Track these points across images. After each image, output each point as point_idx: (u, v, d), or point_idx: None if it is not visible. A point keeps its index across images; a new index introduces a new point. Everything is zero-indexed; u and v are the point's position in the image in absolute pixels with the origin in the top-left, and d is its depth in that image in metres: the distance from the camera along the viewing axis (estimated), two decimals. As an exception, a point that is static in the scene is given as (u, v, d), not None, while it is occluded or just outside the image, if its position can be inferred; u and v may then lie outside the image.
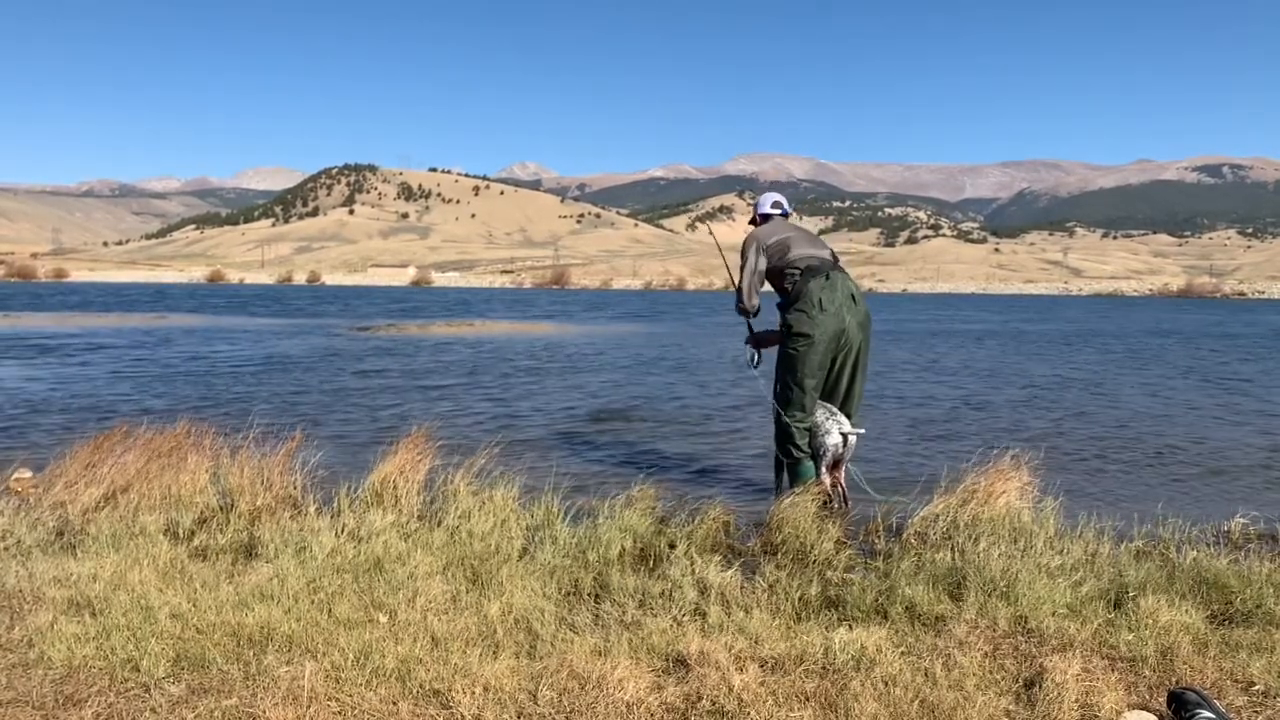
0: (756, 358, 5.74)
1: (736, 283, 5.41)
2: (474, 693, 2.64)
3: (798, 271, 5.21)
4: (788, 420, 5.17)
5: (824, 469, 5.16)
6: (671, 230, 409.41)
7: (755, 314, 5.53)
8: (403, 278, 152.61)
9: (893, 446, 7.60)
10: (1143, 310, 56.58)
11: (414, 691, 2.68)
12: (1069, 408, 10.32)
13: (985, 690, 2.73)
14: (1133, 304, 76.31)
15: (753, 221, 5.66)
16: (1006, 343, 22.84)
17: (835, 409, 5.24)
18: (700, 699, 2.63)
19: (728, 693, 2.64)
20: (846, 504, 5.22)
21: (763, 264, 5.31)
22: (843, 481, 5.31)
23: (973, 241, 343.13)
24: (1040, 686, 2.71)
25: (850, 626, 3.18)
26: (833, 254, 5.40)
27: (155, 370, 13.36)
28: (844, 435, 5.13)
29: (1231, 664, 2.97)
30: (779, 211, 5.63)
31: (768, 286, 5.40)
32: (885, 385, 12.28)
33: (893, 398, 10.97)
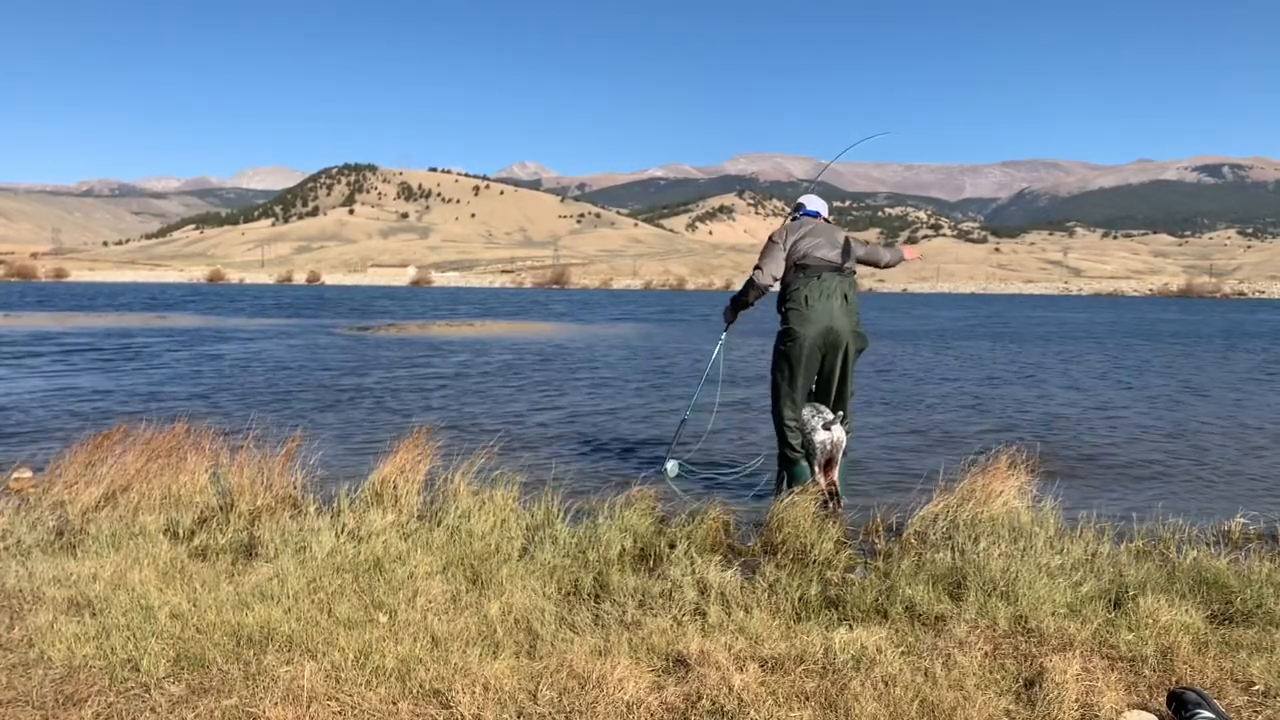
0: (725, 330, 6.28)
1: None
2: (474, 692, 2.64)
3: (801, 271, 5.30)
4: (779, 419, 5.31)
5: (818, 469, 5.20)
6: (671, 230, 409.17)
7: (755, 287, 5.53)
8: (403, 277, 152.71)
9: (892, 446, 7.60)
10: (1142, 310, 56.57)
11: (414, 691, 2.68)
12: (1068, 406, 10.32)
13: (985, 690, 2.73)
14: (1133, 303, 76.31)
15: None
16: (1005, 342, 22.83)
17: (821, 407, 5.32)
18: (700, 699, 2.63)
19: (728, 692, 2.64)
20: (840, 503, 5.24)
21: (779, 254, 5.39)
22: (836, 481, 5.32)
23: (973, 241, 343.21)
24: (1040, 686, 2.71)
25: (850, 626, 3.18)
26: (845, 250, 5.34)
27: (154, 370, 13.36)
28: (829, 426, 5.16)
29: (1231, 664, 2.97)
30: (801, 213, 5.68)
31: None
32: (884, 385, 12.28)
33: (892, 398, 10.97)
